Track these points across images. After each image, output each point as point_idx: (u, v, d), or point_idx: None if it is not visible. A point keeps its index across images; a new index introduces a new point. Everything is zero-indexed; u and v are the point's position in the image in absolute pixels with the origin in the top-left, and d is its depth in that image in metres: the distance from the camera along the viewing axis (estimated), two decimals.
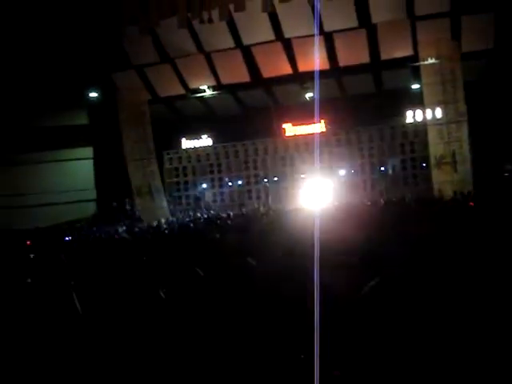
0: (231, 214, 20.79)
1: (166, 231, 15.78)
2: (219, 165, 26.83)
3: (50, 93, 22.38)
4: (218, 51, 22.90)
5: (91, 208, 25.05)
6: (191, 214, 24.57)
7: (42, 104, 23.16)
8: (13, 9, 17.70)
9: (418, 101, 23.03)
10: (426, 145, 22.76)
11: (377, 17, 20.66)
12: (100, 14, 18.97)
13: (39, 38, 19.61)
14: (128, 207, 26.04)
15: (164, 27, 20.49)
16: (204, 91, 25.01)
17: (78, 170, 25.44)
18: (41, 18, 18.50)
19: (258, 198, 25.95)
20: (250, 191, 26.39)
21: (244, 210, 23.25)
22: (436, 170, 22.00)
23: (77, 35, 20.17)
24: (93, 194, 25.44)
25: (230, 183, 26.73)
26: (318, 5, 18.89)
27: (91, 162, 25.68)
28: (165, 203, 25.49)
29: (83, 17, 19.34)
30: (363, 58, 22.35)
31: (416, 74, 22.80)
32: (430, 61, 21.64)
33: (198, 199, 26.82)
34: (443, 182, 21.65)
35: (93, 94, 23.89)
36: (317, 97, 20.76)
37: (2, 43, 19.36)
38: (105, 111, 24.94)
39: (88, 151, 25.52)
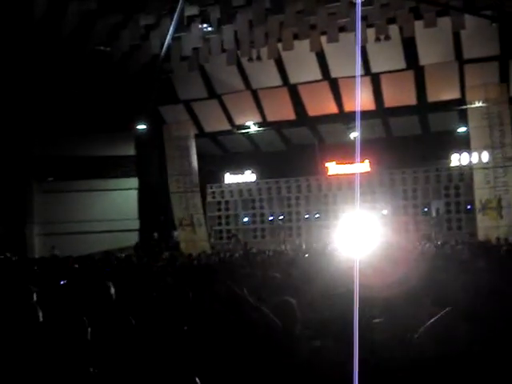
0: (271, 250, 20.72)
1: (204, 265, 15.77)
2: (261, 200, 26.82)
3: (99, 123, 22.98)
4: (265, 89, 23.19)
5: (133, 238, 25.31)
6: (231, 248, 24.58)
7: (91, 134, 23.78)
8: (68, 44, 18.30)
9: (464, 144, 22.81)
10: (471, 189, 22.43)
11: (425, 59, 20.70)
12: (151, 48, 19.47)
13: (93, 70, 20.23)
14: (169, 238, 26.24)
15: (213, 64, 20.94)
16: (249, 127, 25.28)
17: (122, 199, 25.82)
18: (95, 52, 19.09)
19: (299, 235, 25.82)
20: (291, 228, 26.28)
21: (284, 247, 23.12)
22: (481, 214, 21.61)
23: (127, 68, 20.74)
24: (136, 224, 25.74)
25: (271, 219, 26.69)
26: (365, 45, 19.04)
27: (136, 192, 26.05)
28: (206, 236, 25.63)
29: (135, 51, 19.90)
30: (410, 99, 22.32)
31: (463, 117, 22.62)
32: (477, 104, 21.45)
33: (238, 234, 26.82)
34: (488, 227, 21.23)
35: (140, 126, 24.38)
36: (360, 136, 20.71)
37: (55, 75, 20.00)
38: (151, 143, 25.42)
39: (133, 182, 25.93)
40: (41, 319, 4.40)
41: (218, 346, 4.17)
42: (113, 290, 5.41)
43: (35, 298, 5.39)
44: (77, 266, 14.97)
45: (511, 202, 21.28)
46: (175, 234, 26.11)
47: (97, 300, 5.21)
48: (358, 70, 18.87)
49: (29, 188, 25.25)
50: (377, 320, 4.24)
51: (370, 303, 4.33)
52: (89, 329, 4.11)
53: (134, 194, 26.05)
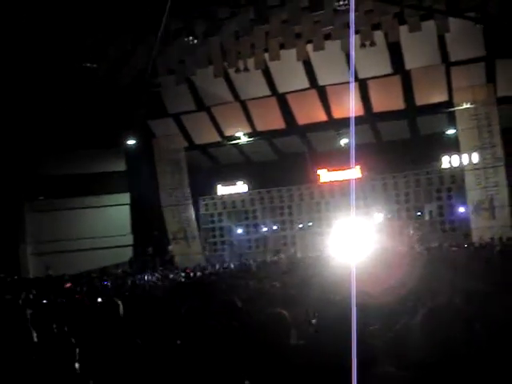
0: (267, 260, 20.73)
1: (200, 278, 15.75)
2: (254, 211, 26.82)
3: (88, 140, 22.91)
4: (254, 99, 23.22)
5: (127, 253, 25.21)
6: (226, 260, 24.54)
7: (81, 151, 23.70)
8: (55, 62, 18.27)
9: (454, 146, 22.88)
10: (463, 190, 22.49)
11: (411, 63, 20.78)
12: (138, 63, 19.46)
13: (80, 87, 20.18)
14: (163, 253, 26.15)
15: (200, 76, 20.95)
16: (239, 138, 25.28)
17: (115, 215, 25.72)
18: (82, 68, 19.05)
19: (293, 243, 25.80)
20: (285, 237, 26.27)
21: (279, 256, 23.10)
22: (474, 215, 21.67)
23: (115, 84, 20.72)
24: (130, 240, 25.64)
25: (264, 229, 26.65)
26: (351, 52, 19.11)
27: (128, 207, 25.95)
28: (200, 249, 25.56)
29: (122, 66, 19.88)
30: (398, 104, 22.41)
31: (451, 120, 22.72)
32: (465, 106, 21.56)
33: (232, 245, 26.78)
34: (482, 227, 21.27)
35: (130, 141, 24.35)
36: (352, 143, 20.80)
37: (43, 94, 19.94)
38: (142, 158, 25.34)
39: (125, 197, 25.83)
40: (35, 340, 4.35)
41: (210, 358, 4.13)
42: (121, 309, 5.38)
43: (29, 318, 5.34)
44: (69, 284, 14.91)
45: (503, 201, 21.34)
46: (170, 248, 26.02)
47: (104, 319, 5.18)
48: (352, 76, 19.06)
49: (20, 208, 25.13)
50: (372, 327, 4.19)
51: (365, 309, 4.28)
52: (76, 350, 4.08)
53: (127, 209, 25.96)
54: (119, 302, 5.43)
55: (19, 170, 24.16)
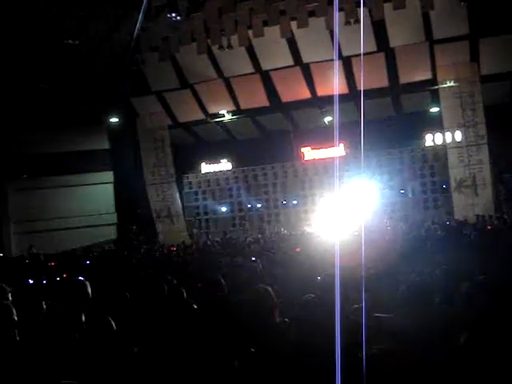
0: (250, 238, 20.78)
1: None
2: (238, 188, 26.83)
3: (71, 118, 22.70)
4: (237, 76, 23.08)
5: (112, 232, 25.16)
6: (209, 237, 24.58)
7: (63, 129, 23.45)
8: (36, 38, 18.00)
9: (437, 124, 22.95)
10: (446, 168, 22.63)
11: (395, 41, 20.73)
12: (121, 40, 19.26)
13: (62, 64, 19.94)
14: (147, 231, 26.11)
15: (183, 53, 20.77)
16: (223, 116, 25.19)
17: (98, 194, 25.61)
18: (64, 45, 18.81)
19: (277, 221, 25.89)
20: (269, 215, 26.34)
21: (263, 233, 23.20)
22: (456, 193, 21.84)
23: (97, 61, 20.50)
24: (114, 218, 25.57)
25: (249, 207, 26.69)
26: (336, 30, 19.02)
27: (112, 185, 25.84)
28: (184, 227, 25.57)
29: (104, 43, 19.67)
30: (382, 81, 22.38)
31: (435, 98, 22.78)
32: (449, 84, 21.60)
33: (216, 223, 26.83)
34: (464, 205, 21.46)
35: (113, 119, 24.14)
36: (336, 121, 20.79)
37: (23, 71, 19.68)
38: (125, 136, 25.20)
39: (109, 175, 25.71)
40: (15, 318, 4.34)
41: (194, 336, 4.16)
42: (89, 289, 5.36)
43: (10, 297, 5.33)
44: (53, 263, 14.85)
45: (486, 179, 21.52)
46: (156, 225, 25.94)
47: (74, 298, 5.16)
48: (337, 53, 19.01)
49: (3, 187, 24.92)
50: (356, 306, 4.22)
51: (348, 287, 4.33)
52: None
53: (110, 187, 25.85)
54: (86, 282, 5.41)
55: (1, 149, 23.92)
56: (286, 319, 4.32)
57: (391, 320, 4.06)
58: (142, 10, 16.42)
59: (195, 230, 26.30)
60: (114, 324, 4.27)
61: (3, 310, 4.31)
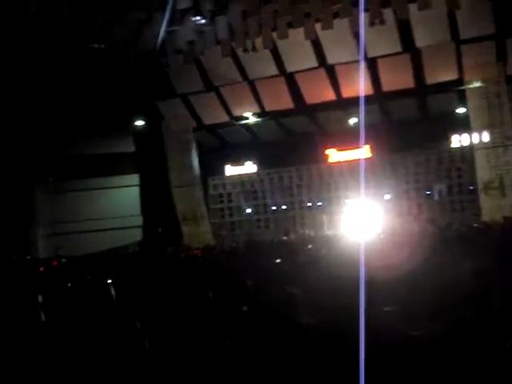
0: (277, 240, 20.74)
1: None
2: (263, 191, 26.82)
3: (98, 121, 22.93)
4: (262, 79, 23.10)
5: (138, 234, 25.34)
6: (235, 240, 24.58)
7: (90, 133, 23.72)
8: (61, 43, 18.22)
9: (464, 125, 22.69)
10: (472, 169, 22.37)
11: (420, 41, 20.57)
12: (146, 43, 19.41)
13: (88, 69, 20.16)
14: (173, 234, 26.22)
15: (208, 56, 20.86)
16: (248, 118, 25.21)
17: (124, 196, 25.84)
18: (89, 50, 19.01)
19: (303, 223, 25.82)
20: (294, 217, 26.28)
21: (289, 236, 23.13)
22: (483, 195, 21.56)
23: (123, 65, 20.68)
24: (139, 221, 25.75)
25: (274, 209, 26.66)
26: (361, 31, 18.94)
27: (137, 188, 26.04)
28: (209, 229, 25.64)
29: (130, 47, 19.84)
30: (407, 82, 22.21)
31: (461, 98, 22.52)
32: (476, 84, 21.35)
33: (241, 225, 26.84)
34: (491, 207, 21.17)
35: (139, 122, 24.33)
36: (361, 122, 20.67)
37: (51, 76, 19.93)
38: (151, 139, 25.37)
39: (134, 178, 25.92)
40: (43, 320, 4.40)
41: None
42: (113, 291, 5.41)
43: (40, 299, 5.39)
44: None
45: None
46: (181, 228, 26.06)
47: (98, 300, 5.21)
48: (362, 55, 18.92)
49: (31, 189, 25.27)
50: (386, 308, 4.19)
51: (376, 290, 4.29)
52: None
53: (136, 190, 26.05)
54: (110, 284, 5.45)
55: (30, 152, 24.26)
56: (313, 320, 4.30)
57: None
58: (166, 14, 16.54)
59: (223, 232, 26.35)
60: (139, 325, 4.30)
61: (33, 312, 4.37)
